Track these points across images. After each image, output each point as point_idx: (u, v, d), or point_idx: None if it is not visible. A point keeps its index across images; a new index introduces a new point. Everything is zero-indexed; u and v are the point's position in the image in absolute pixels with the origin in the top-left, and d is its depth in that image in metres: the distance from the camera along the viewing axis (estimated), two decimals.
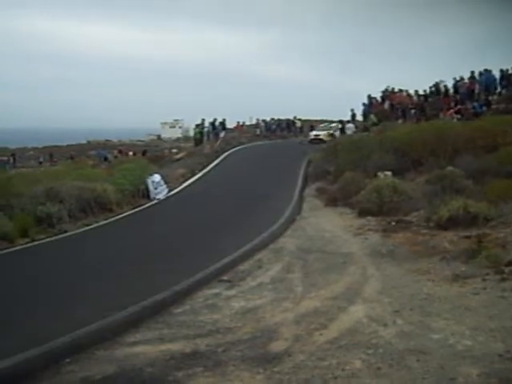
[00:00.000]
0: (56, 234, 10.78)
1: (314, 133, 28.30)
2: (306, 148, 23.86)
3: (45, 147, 45.04)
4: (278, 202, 13.36)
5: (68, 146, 45.31)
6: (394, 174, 13.35)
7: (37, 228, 10.82)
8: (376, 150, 15.34)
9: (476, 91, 21.28)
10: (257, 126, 35.31)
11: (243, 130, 35.29)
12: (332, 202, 13.38)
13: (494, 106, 19.75)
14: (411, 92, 25.39)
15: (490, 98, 20.66)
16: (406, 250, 8.32)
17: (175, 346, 5.01)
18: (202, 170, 20.31)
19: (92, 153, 37.85)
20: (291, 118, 35.60)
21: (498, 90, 21.27)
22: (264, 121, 35.11)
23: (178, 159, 24.57)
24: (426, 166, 13.30)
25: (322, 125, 31.22)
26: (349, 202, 12.63)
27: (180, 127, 45.21)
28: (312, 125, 32.75)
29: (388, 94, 26.75)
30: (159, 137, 45.80)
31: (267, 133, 33.51)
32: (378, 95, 27.73)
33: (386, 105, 26.32)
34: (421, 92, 24.64)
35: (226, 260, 8.01)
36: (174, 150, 29.69)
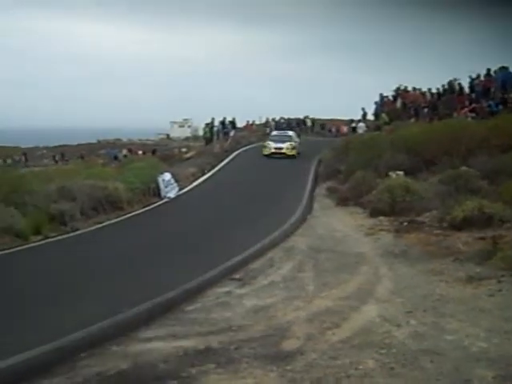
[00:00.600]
0: (68, 232, 10.84)
1: (275, 146, 22.90)
2: (316, 147, 23.77)
3: (56, 147, 45.55)
4: (289, 202, 13.35)
5: (78, 145, 45.78)
6: (406, 173, 13.22)
7: (49, 225, 10.88)
8: (387, 149, 15.24)
9: (492, 89, 20.92)
10: (266, 125, 35.32)
11: (253, 129, 35.32)
12: (343, 201, 13.33)
13: (510, 105, 19.35)
14: (424, 90, 25.13)
15: (507, 96, 20.26)
16: (419, 251, 8.25)
17: (188, 343, 5.02)
18: (211, 169, 20.34)
19: (102, 152, 38.17)
20: (301, 117, 35.55)
21: None
22: (274, 120, 35.10)
23: (188, 158, 24.64)
24: (439, 166, 13.14)
25: (274, 132, 26.06)
26: (360, 201, 12.57)
27: (189, 126, 45.46)
28: (323, 123, 32.44)
29: (400, 93, 26.51)
30: (168, 136, 46.06)
31: None
32: (389, 94, 27.52)
33: (398, 103, 26.08)
34: (434, 90, 24.35)
35: (237, 258, 8.01)
36: (184, 149, 29.80)
